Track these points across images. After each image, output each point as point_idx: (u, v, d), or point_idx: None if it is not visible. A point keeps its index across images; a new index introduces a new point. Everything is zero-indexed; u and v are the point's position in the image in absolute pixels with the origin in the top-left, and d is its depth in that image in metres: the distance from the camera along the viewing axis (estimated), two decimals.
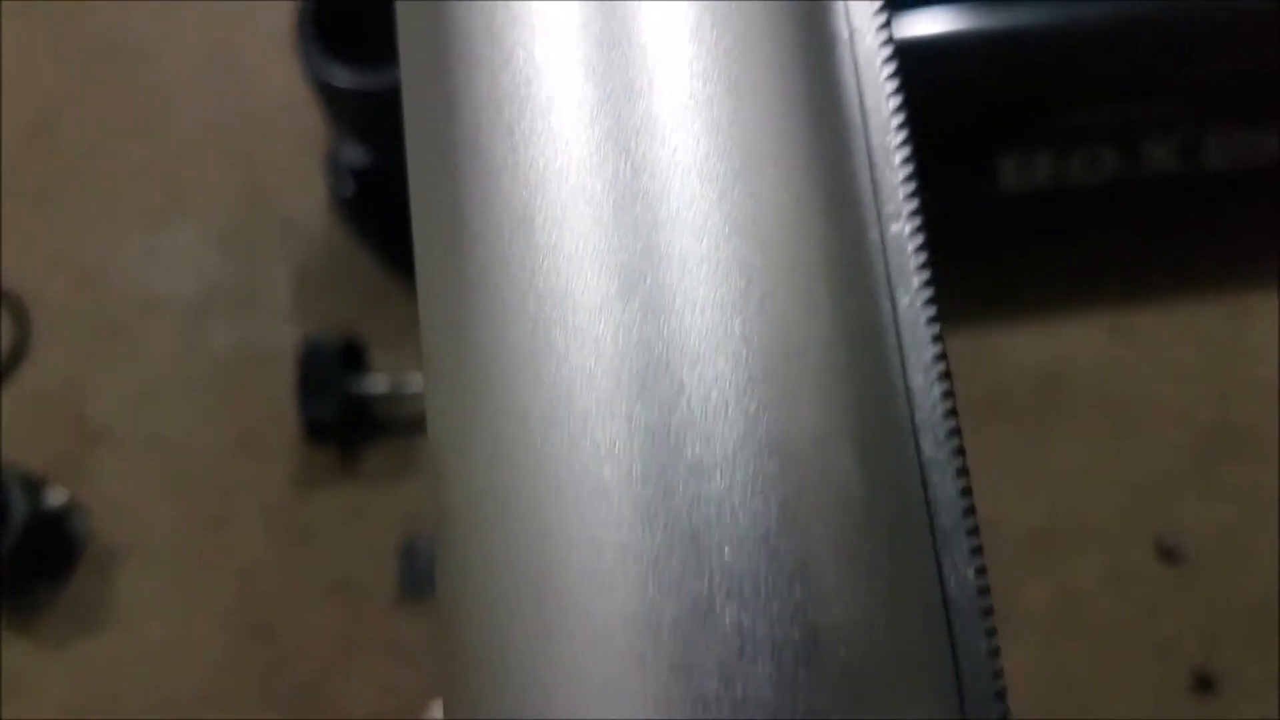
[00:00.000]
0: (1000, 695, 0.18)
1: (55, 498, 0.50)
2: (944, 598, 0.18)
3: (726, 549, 0.16)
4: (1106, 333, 0.51)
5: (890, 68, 0.19)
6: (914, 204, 0.19)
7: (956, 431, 0.19)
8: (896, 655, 0.17)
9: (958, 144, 0.45)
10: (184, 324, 0.55)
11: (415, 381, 0.51)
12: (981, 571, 0.18)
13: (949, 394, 0.19)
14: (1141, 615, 0.48)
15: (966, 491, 0.19)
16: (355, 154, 0.50)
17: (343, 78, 0.44)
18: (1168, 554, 0.48)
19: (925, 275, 0.18)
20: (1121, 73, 0.45)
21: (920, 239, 0.18)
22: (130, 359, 0.55)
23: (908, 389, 0.19)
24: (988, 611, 0.18)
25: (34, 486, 0.50)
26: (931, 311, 0.19)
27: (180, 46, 0.61)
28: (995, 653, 0.18)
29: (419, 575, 0.48)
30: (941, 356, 0.19)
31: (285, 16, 0.51)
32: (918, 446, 0.19)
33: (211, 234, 0.57)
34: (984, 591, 0.18)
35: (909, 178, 0.19)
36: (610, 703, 0.16)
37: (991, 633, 0.18)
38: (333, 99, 0.46)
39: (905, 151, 0.18)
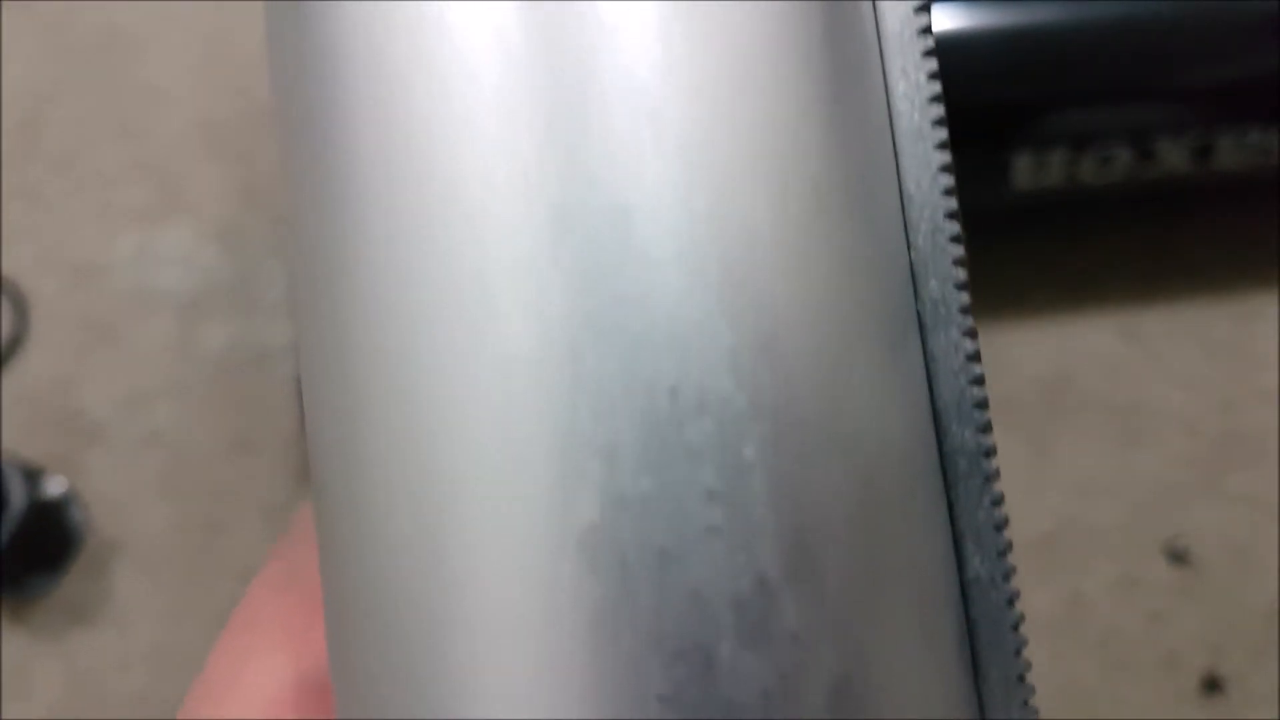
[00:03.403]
0: (972, 358, 0.17)
1: (54, 487, 0.50)
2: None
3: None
4: (1114, 336, 0.51)
5: None
6: None
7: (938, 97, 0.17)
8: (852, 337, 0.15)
9: (972, 141, 0.44)
10: (179, 321, 0.55)
11: None
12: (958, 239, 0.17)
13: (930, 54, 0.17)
14: (1149, 620, 0.48)
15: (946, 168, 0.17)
16: None
17: None
18: (1175, 559, 0.48)
19: None
20: (1137, 72, 0.45)
21: None
22: (125, 355, 0.54)
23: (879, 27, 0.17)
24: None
25: (33, 475, 0.49)
26: None
27: (172, 43, 0.61)
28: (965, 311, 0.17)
29: None
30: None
31: None
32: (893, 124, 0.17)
33: (207, 231, 0.57)
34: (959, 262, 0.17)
35: None
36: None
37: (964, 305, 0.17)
38: None
39: None
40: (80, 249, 0.56)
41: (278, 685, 0.19)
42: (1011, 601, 0.16)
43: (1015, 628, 0.16)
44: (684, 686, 0.14)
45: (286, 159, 0.17)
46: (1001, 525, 0.16)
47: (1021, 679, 0.16)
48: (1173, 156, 0.45)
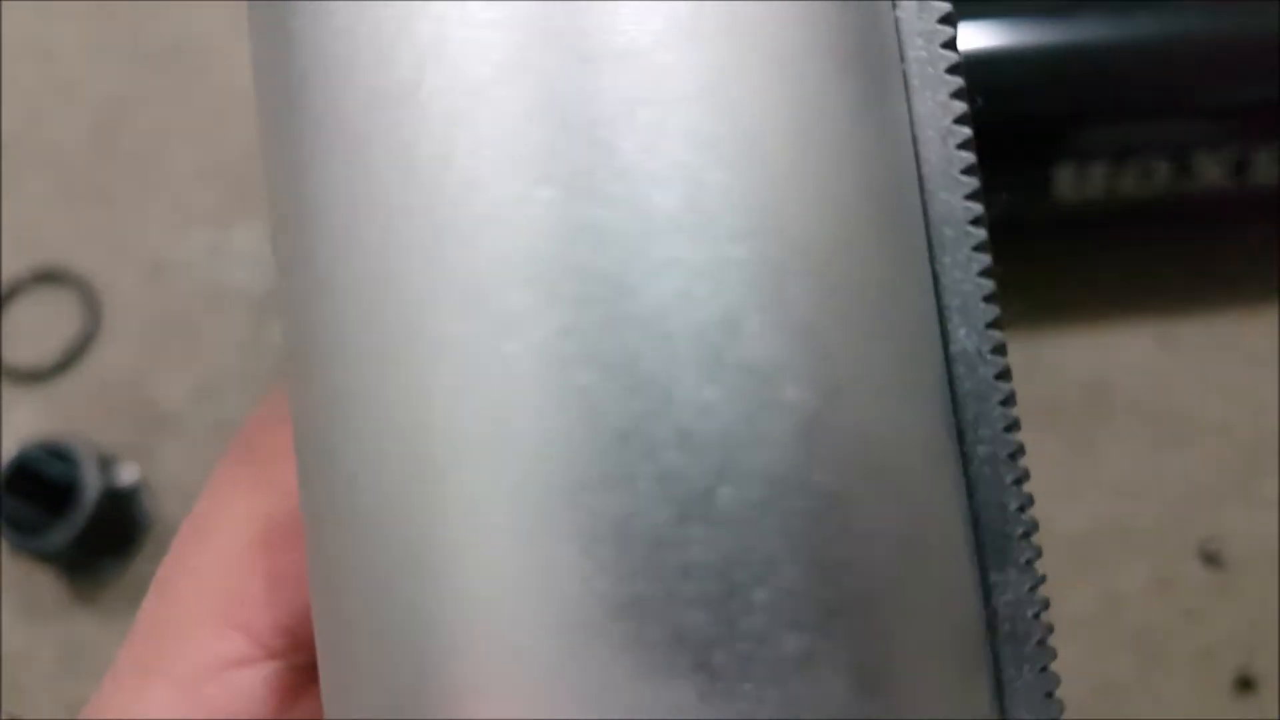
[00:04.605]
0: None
1: (127, 475, 0.52)
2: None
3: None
4: (1152, 344, 0.52)
5: None
6: None
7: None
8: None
9: (1016, 155, 0.46)
10: (246, 317, 0.57)
11: None
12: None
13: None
14: (1184, 620, 0.49)
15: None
16: None
17: None
18: (1210, 560, 0.49)
19: None
20: (1175, 89, 0.46)
21: None
22: (195, 349, 0.56)
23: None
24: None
25: (107, 463, 0.51)
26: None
27: (242, 49, 0.62)
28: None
29: None
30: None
31: None
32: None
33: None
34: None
35: None
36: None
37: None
38: None
39: None
40: (154, 248, 0.58)
41: (249, 524, 0.22)
42: (1001, 376, 0.16)
43: (1005, 403, 0.16)
44: (642, 421, 0.13)
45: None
46: (990, 297, 0.15)
47: (1013, 457, 0.16)
48: (1211, 171, 0.46)
